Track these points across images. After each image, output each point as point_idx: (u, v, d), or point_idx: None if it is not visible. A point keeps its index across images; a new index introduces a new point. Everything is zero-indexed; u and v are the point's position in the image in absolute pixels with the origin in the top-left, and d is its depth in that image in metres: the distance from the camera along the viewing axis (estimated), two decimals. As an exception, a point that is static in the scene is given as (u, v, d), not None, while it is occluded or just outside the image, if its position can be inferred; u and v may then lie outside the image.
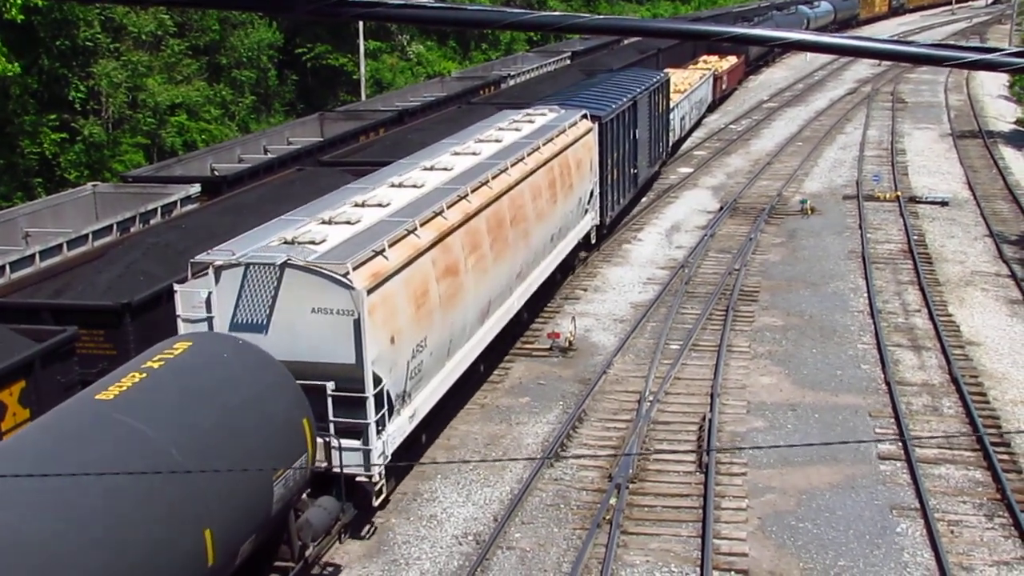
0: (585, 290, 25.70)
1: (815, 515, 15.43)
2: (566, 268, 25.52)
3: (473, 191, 18.48)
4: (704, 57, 54.91)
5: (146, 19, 35.49)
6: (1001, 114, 51.61)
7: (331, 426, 13.99)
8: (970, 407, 18.49)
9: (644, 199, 34.40)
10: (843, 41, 4.21)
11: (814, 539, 14.83)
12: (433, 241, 16.39)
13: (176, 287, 14.39)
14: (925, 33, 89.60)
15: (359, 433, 14.19)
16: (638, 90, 31.84)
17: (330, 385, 13.97)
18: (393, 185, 18.41)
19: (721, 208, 33.09)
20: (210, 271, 14.17)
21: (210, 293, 14.14)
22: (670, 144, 38.53)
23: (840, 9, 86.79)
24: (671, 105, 37.98)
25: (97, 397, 11.13)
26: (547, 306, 24.23)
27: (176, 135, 36.37)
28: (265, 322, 14.04)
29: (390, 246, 15.12)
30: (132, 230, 20.20)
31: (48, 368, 13.49)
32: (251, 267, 14.06)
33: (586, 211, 25.96)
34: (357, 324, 13.78)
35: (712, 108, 50.44)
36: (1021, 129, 47.51)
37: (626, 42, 52.51)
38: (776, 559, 14.39)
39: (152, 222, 20.79)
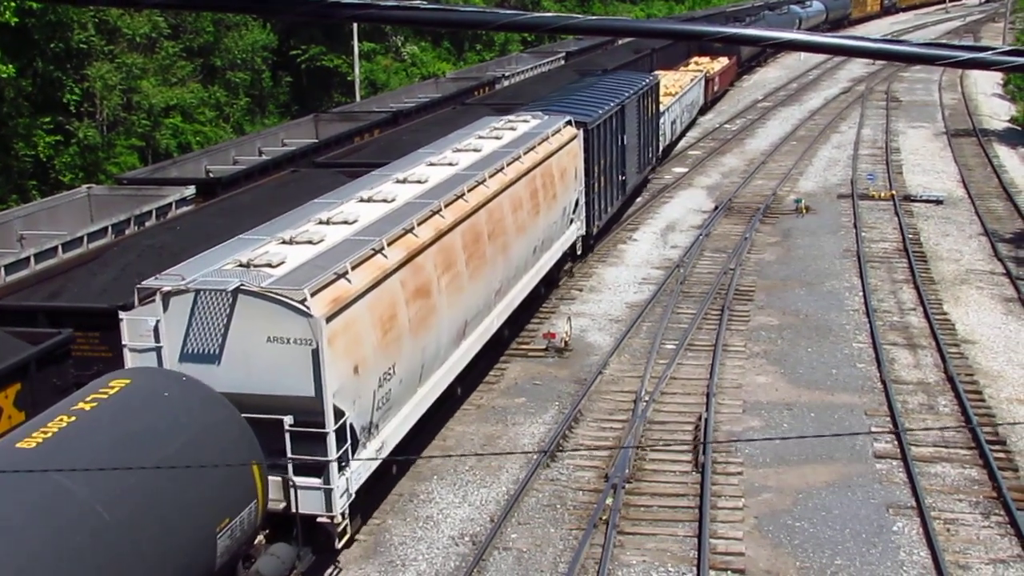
0: (580, 290, 25.70)
1: (811, 514, 15.45)
2: (551, 281, 24.79)
3: (447, 205, 17.44)
4: (695, 58, 54.82)
5: (140, 21, 35.46)
6: (995, 112, 51.70)
7: (289, 464, 12.96)
8: (966, 405, 18.53)
9: (639, 199, 34.40)
10: (835, 41, 4.22)
11: (810, 538, 14.85)
12: (402, 261, 15.30)
13: (122, 314, 13.38)
14: (918, 32, 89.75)
15: (320, 470, 13.12)
16: (626, 94, 31.15)
17: (288, 419, 12.86)
18: (362, 200, 17.29)
19: (716, 208, 33.09)
20: (158, 297, 13.14)
21: (158, 321, 13.13)
22: (660, 149, 37.91)
23: (832, 9, 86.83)
24: (661, 109, 37.34)
25: (18, 445, 10.00)
26: (542, 306, 24.22)
27: (171, 137, 36.38)
28: (218, 352, 13.02)
29: (353, 268, 14.03)
30: (127, 232, 20.20)
31: (43, 371, 13.45)
32: (202, 293, 13.01)
33: (571, 221, 25.12)
34: (316, 354, 12.73)
35: (704, 111, 50.35)
36: (1015, 127, 47.60)
37: (620, 42, 52.53)
38: (772, 558, 14.41)
39: (147, 224, 20.80)
